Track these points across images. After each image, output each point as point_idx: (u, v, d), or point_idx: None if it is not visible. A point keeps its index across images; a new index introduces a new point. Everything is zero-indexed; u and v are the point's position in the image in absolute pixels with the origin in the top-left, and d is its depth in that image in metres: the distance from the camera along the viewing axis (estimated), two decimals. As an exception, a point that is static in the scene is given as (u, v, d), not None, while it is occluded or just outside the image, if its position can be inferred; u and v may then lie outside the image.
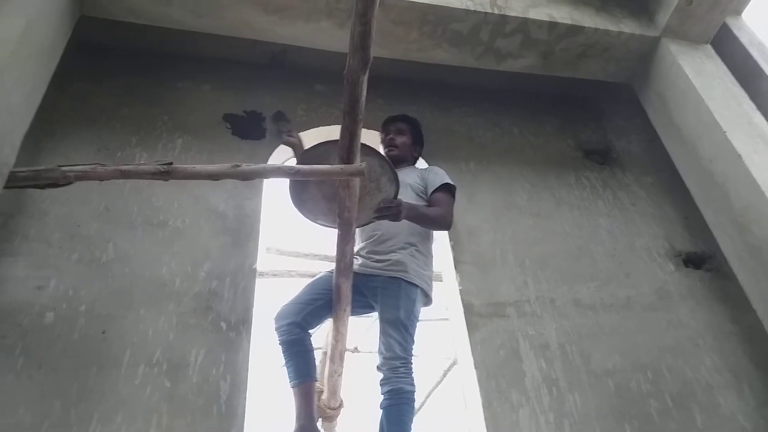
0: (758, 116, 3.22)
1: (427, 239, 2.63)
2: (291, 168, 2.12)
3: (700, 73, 3.35)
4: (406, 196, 2.49)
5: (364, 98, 1.98)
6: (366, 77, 1.94)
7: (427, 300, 2.52)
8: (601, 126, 3.90)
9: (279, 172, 2.16)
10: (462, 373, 2.72)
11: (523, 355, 2.66)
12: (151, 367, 2.25)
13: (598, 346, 2.76)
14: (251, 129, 3.19)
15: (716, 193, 3.12)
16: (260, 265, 2.74)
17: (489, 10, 3.23)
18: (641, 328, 2.88)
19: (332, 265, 2.42)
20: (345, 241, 2.28)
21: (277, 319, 2.39)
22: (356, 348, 5.10)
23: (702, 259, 3.26)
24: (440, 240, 3.02)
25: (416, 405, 2.30)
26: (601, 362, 2.71)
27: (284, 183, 2.43)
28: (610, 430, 2.50)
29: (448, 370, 5.15)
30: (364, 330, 5.09)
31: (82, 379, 2.16)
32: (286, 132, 3.07)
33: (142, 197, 2.71)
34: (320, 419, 2.58)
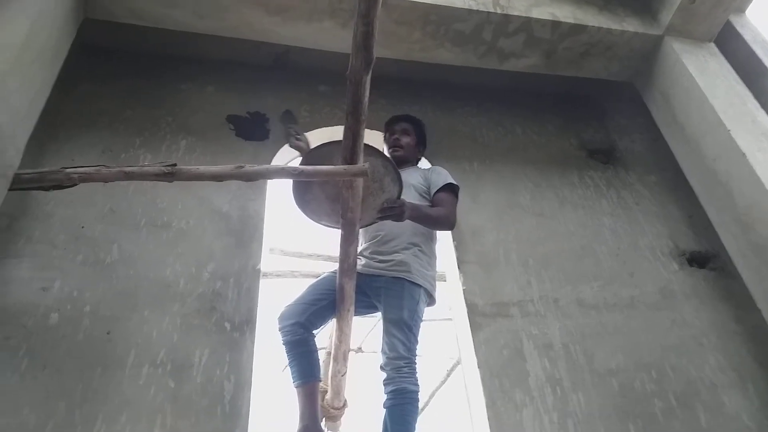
0: (762, 114, 3.21)
1: (431, 239, 2.63)
2: (294, 169, 2.12)
3: (704, 72, 3.35)
4: (410, 197, 2.49)
5: (367, 98, 1.98)
6: (369, 77, 1.94)
7: (431, 300, 2.52)
8: (604, 125, 3.89)
9: (282, 172, 2.16)
10: (465, 373, 2.72)
11: (527, 354, 2.65)
12: (156, 368, 2.26)
13: (601, 346, 2.76)
14: (255, 130, 3.20)
15: (720, 191, 3.11)
16: (264, 266, 2.74)
17: (492, 10, 3.23)
18: (645, 327, 2.88)
19: (336, 266, 2.42)
20: (348, 241, 2.28)
21: (281, 319, 2.40)
22: (360, 348, 5.11)
23: (706, 258, 3.25)
24: (444, 240, 3.02)
25: (420, 405, 2.30)
26: (605, 362, 2.70)
27: (288, 184, 2.43)
28: (613, 430, 2.50)
29: (452, 369, 5.15)
30: (368, 330, 5.11)
31: (86, 379, 2.16)
32: (294, 135, 3.07)
33: (147, 199, 2.72)
34: (324, 419, 2.58)
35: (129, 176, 1.97)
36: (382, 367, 2.29)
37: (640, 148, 3.81)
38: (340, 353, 2.56)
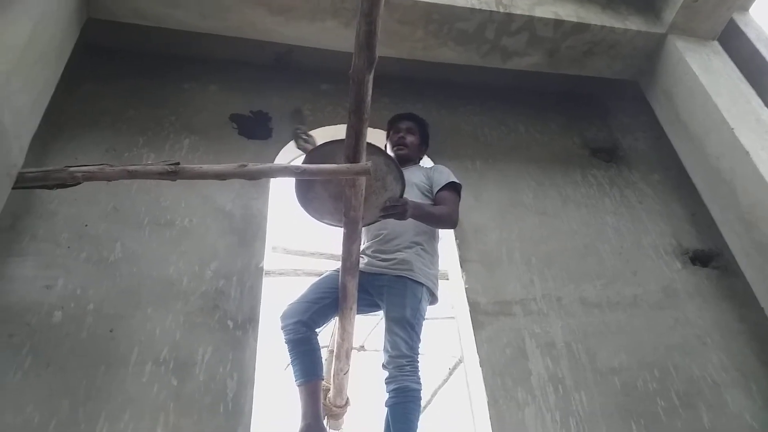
0: (766, 113, 3.21)
1: (433, 238, 2.63)
2: (297, 167, 2.12)
3: (707, 70, 3.34)
4: (412, 195, 2.49)
5: (369, 97, 1.98)
6: (371, 76, 1.94)
7: (433, 299, 2.52)
8: (607, 123, 3.89)
9: (285, 171, 2.17)
10: (468, 372, 2.72)
11: (529, 353, 2.65)
12: (159, 366, 2.26)
13: (604, 345, 2.75)
14: (258, 129, 3.21)
15: (723, 190, 3.11)
16: (267, 264, 2.75)
17: (494, 9, 3.23)
18: (648, 326, 2.87)
19: (338, 264, 2.42)
20: (351, 239, 2.28)
21: (284, 317, 2.40)
22: (362, 346, 5.11)
23: (709, 257, 3.24)
24: (446, 238, 3.01)
25: (422, 403, 2.30)
26: (608, 360, 2.70)
27: (291, 182, 2.44)
28: (616, 429, 2.49)
29: (454, 368, 5.15)
30: (370, 328, 5.11)
31: (89, 377, 2.17)
32: (302, 137, 3.07)
33: (150, 197, 2.73)
34: (326, 417, 2.58)
35: (132, 175, 1.98)
36: (384, 366, 2.29)
37: (643, 146, 3.80)
38: (343, 351, 2.56)
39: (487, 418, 2.42)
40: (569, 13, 3.37)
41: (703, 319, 2.96)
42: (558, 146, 3.65)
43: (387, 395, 2.23)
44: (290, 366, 2.38)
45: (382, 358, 2.33)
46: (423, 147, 2.95)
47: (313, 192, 2.41)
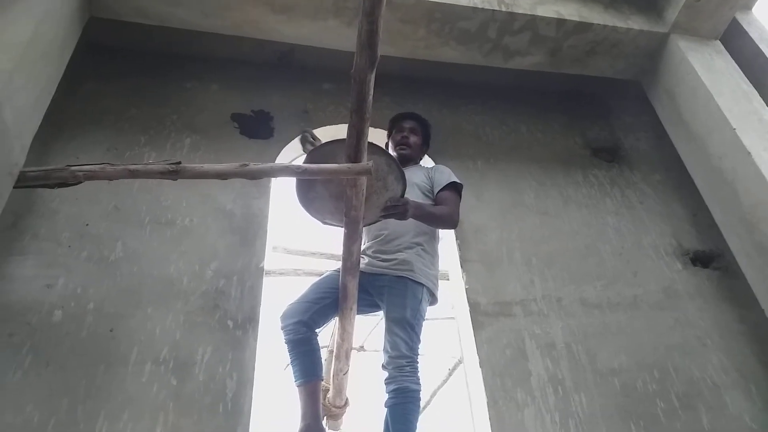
0: (768, 113, 3.19)
1: (434, 238, 2.62)
2: (298, 167, 2.12)
3: (710, 70, 3.33)
4: (413, 195, 2.49)
5: (371, 97, 1.98)
6: (373, 76, 1.93)
7: (433, 299, 2.52)
8: (609, 123, 3.88)
9: (286, 171, 2.16)
10: (467, 372, 2.72)
11: (529, 354, 2.65)
12: (158, 365, 2.27)
13: (604, 346, 2.75)
14: (259, 128, 3.21)
15: (725, 190, 3.10)
16: (267, 264, 2.75)
17: (496, 8, 3.22)
18: (648, 327, 2.87)
19: (339, 264, 2.42)
20: (351, 239, 2.28)
21: (284, 317, 2.40)
22: (362, 346, 5.11)
23: (710, 258, 3.23)
24: (447, 238, 3.01)
25: (422, 404, 2.30)
26: (608, 361, 2.70)
27: (291, 182, 2.44)
28: (615, 430, 2.49)
29: (454, 369, 5.14)
30: (370, 328, 5.10)
31: (89, 376, 2.18)
32: (310, 141, 3.08)
33: (151, 196, 2.73)
34: (326, 418, 2.58)
35: (134, 174, 1.98)
36: (384, 366, 2.29)
37: (644, 146, 3.79)
38: (343, 352, 2.56)
39: (486, 419, 2.42)
40: (571, 13, 3.37)
41: (703, 320, 2.96)
42: (559, 146, 3.65)
43: (386, 396, 2.23)
44: (290, 366, 2.38)
45: (381, 358, 2.33)
46: (425, 147, 2.95)
47: (314, 192, 2.41)
